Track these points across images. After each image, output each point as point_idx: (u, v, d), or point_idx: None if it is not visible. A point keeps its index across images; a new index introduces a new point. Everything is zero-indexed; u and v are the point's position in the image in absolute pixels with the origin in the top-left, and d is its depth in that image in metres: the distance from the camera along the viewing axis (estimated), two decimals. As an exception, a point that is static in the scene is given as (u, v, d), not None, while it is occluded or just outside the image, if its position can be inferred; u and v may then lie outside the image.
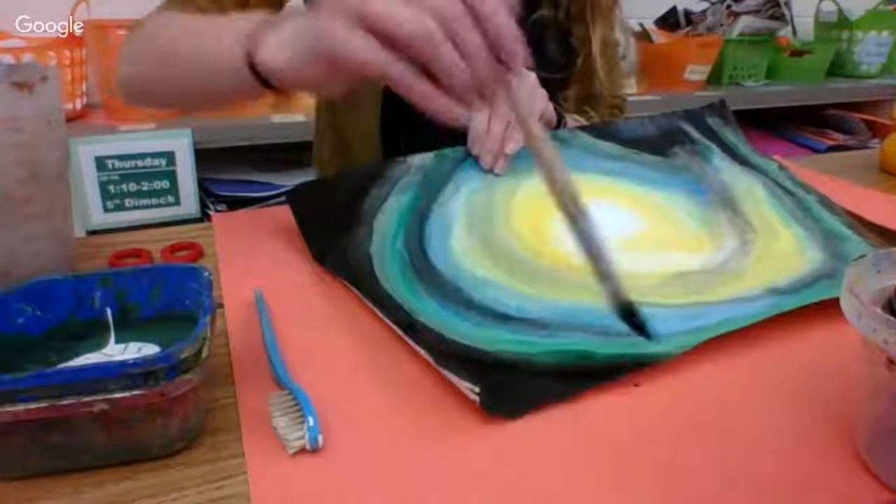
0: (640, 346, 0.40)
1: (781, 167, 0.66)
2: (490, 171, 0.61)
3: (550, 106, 0.68)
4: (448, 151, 0.62)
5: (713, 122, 0.72)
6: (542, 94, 0.65)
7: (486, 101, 0.39)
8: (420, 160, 0.60)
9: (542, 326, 0.43)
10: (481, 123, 0.61)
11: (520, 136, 0.61)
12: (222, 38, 0.49)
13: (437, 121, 0.38)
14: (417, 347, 0.40)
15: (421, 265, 0.49)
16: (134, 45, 0.62)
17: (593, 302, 0.45)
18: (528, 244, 0.53)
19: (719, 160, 0.66)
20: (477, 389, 0.35)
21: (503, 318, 0.44)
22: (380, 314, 0.45)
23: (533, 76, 0.65)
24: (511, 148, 0.60)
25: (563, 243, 0.53)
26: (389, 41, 0.37)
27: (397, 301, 0.45)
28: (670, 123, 0.70)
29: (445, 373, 0.37)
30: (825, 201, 0.61)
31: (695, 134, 0.70)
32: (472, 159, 0.62)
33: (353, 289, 0.48)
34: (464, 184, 0.59)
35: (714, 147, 0.68)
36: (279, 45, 0.45)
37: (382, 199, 0.56)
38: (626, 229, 0.55)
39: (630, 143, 0.67)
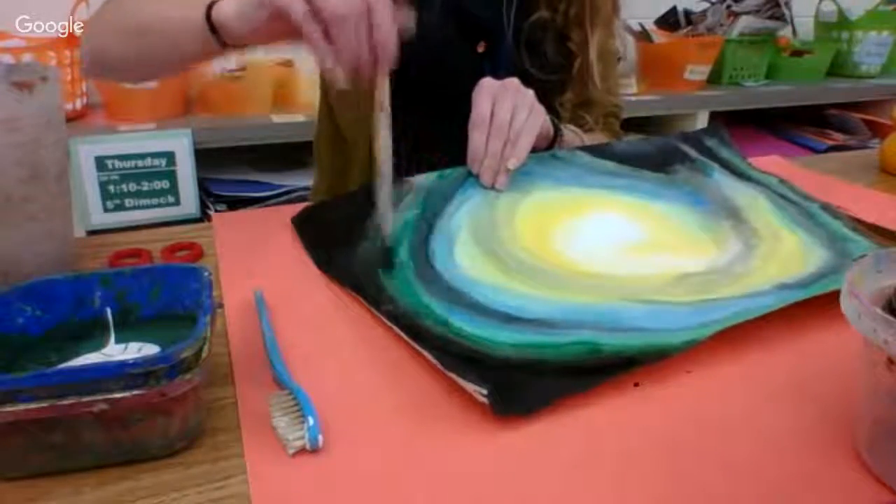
0: (649, 339, 0.40)
1: (782, 181, 0.66)
2: (491, 187, 0.61)
3: (548, 120, 0.69)
4: (449, 171, 0.62)
5: (711, 143, 0.73)
6: (540, 109, 0.66)
7: (361, 79, 0.52)
8: (422, 180, 0.61)
9: (548, 326, 0.43)
10: (479, 142, 0.62)
11: (520, 152, 0.62)
12: (186, 4, 0.57)
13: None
14: (423, 351, 0.40)
15: (426, 273, 0.50)
16: (99, 21, 0.68)
17: (600, 301, 0.45)
18: (532, 251, 0.53)
19: (719, 175, 0.67)
20: (485, 391, 0.35)
21: (509, 318, 0.44)
22: (384, 319, 0.44)
23: (531, 93, 0.65)
24: (512, 163, 0.62)
25: (568, 250, 0.53)
26: (314, 7, 0.48)
27: (401, 305, 0.45)
28: (667, 144, 0.71)
29: (452, 375, 0.37)
30: (828, 208, 0.61)
31: (693, 153, 0.70)
32: (473, 177, 0.62)
33: (357, 294, 0.48)
34: (466, 200, 0.60)
35: (713, 164, 0.68)
36: (235, 2, 0.54)
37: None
38: (630, 238, 0.55)
39: (629, 161, 0.67)
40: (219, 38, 0.56)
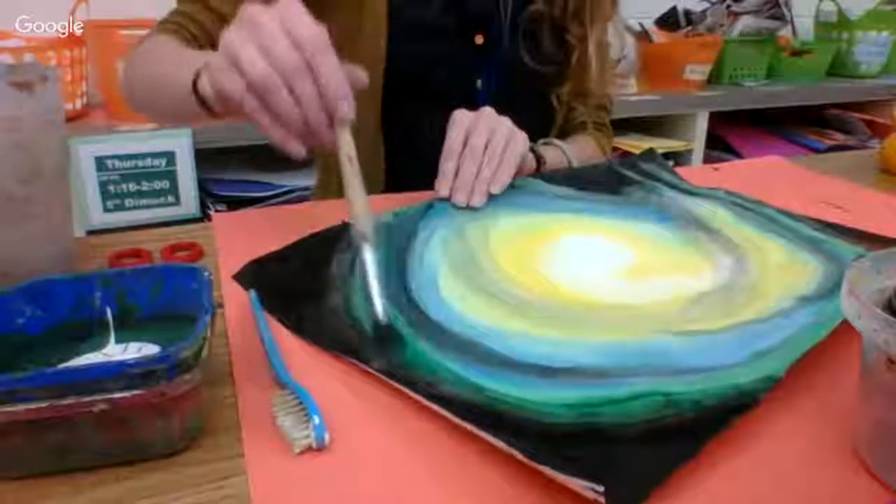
0: (717, 380, 0.36)
1: (729, 192, 0.66)
2: (457, 216, 0.59)
3: (530, 154, 0.69)
4: (405, 209, 0.60)
5: (648, 167, 0.73)
6: (521, 137, 0.65)
7: (318, 141, 0.47)
8: (379, 218, 0.57)
9: (595, 375, 0.37)
10: (450, 169, 0.61)
11: (501, 177, 0.62)
12: (186, 67, 0.55)
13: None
14: (487, 436, 0.32)
15: (421, 323, 0.43)
16: (129, 68, 0.70)
17: (633, 338, 0.41)
18: (526, 285, 0.48)
19: (670, 193, 0.66)
20: (600, 489, 0.28)
21: (543, 371, 0.38)
22: (400, 387, 0.37)
23: (507, 120, 0.64)
24: (495, 189, 0.61)
25: (564, 280, 0.49)
26: (246, 78, 0.44)
27: (407, 365, 0.39)
28: (610, 169, 0.72)
29: (545, 469, 0.29)
30: (785, 212, 0.61)
31: (636, 177, 0.70)
32: (433, 210, 0.60)
33: (350, 358, 0.40)
34: (433, 232, 0.56)
35: (658, 184, 0.68)
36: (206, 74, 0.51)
37: (349, 263, 0.51)
38: (618, 261, 0.53)
39: (584, 186, 0.67)
40: (210, 109, 0.53)
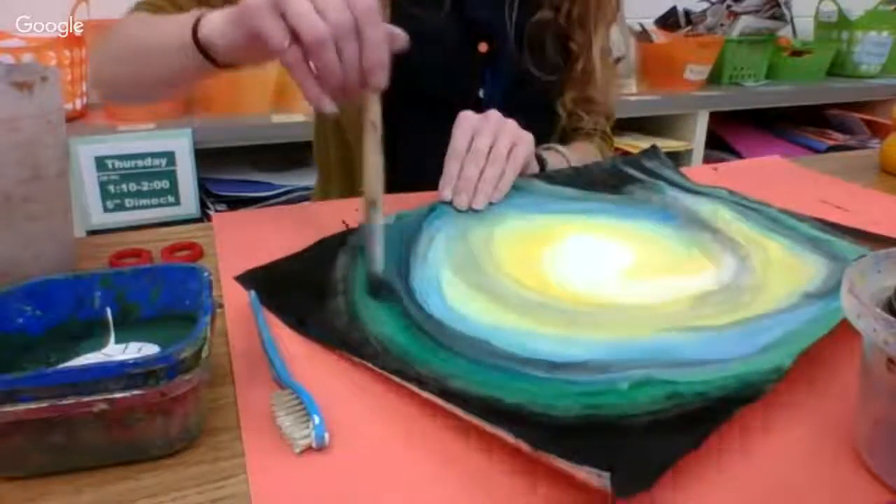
0: (721, 371, 0.36)
1: (732, 192, 0.66)
2: (459, 217, 0.59)
3: (535, 160, 0.69)
4: (407, 212, 0.60)
5: (652, 164, 0.73)
6: (527, 139, 0.65)
7: (351, 100, 0.49)
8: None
9: (600, 370, 0.37)
10: (453, 170, 0.61)
11: (504, 185, 0.62)
12: (178, 23, 0.56)
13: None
14: (492, 428, 0.32)
15: (426, 323, 0.43)
16: (100, 47, 0.69)
17: (638, 335, 0.42)
18: (528, 286, 0.49)
19: (673, 192, 0.66)
20: (606, 474, 0.28)
21: (551, 366, 0.38)
22: (409, 387, 0.37)
23: (513, 123, 0.64)
24: (496, 198, 0.61)
25: (566, 281, 0.49)
26: (291, 28, 0.45)
27: (414, 364, 0.39)
28: (613, 167, 0.72)
29: (553, 459, 0.30)
30: (788, 212, 0.61)
31: (639, 175, 0.70)
32: (435, 212, 0.60)
33: (355, 357, 0.40)
34: (436, 233, 0.56)
35: (661, 183, 0.68)
36: (218, 19, 0.53)
37: (351, 265, 0.52)
38: (620, 261, 0.53)
39: (585, 186, 0.67)
40: (208, 56, 0.54)
